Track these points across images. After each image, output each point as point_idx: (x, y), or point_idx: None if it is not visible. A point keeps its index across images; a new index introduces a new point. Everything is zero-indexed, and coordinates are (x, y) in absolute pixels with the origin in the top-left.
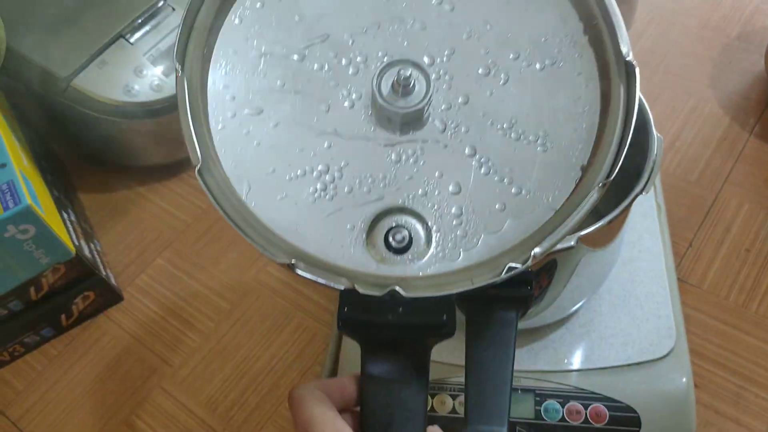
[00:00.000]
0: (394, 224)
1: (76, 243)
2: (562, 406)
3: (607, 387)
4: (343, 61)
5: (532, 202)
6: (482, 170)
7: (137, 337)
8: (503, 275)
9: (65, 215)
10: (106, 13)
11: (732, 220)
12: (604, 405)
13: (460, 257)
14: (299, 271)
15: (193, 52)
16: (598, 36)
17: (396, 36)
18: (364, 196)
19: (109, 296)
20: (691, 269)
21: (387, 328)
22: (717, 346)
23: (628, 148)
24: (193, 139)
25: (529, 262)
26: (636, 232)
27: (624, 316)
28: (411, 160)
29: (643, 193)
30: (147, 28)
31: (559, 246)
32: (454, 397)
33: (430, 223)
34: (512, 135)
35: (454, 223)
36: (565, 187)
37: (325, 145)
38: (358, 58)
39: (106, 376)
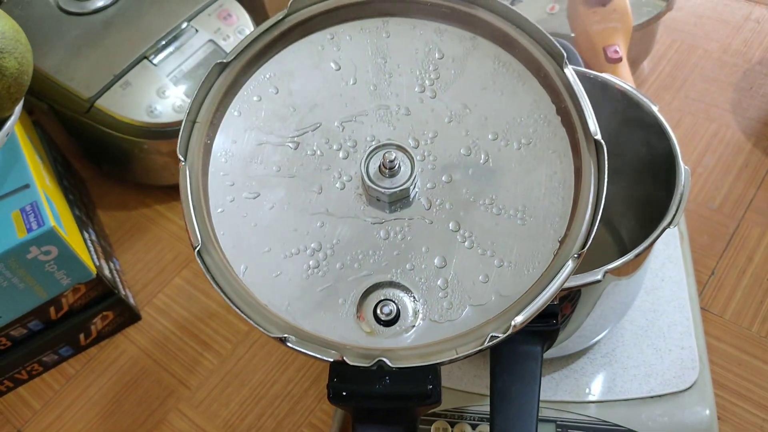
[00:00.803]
0: (382, 297)
1: (97, 263)
2: None
3: (629, 419)
4: (334, 147)
5: (513, 274)
6: (466, 244)
7: (154, 358)
8: (486, 344)
9: (86, 235)
10: (129, 34)
11: (755, 248)
12: None
13: (446, 328)
14: (290, 345)
15: (195, 144)
16: (569, 116)
17: (383, 122)
18: (355, 272)
19: (128, 315)
20: (713, 298)
21: (375, 397)
22: (740, 377)
23: (655, 181)
24: (193, 223)
25: (510, 331)
26: (659, 261)
27: (647, 347)
28: (399, 237)
29: (671, 227)
30: (170, 49)
31: (586, 280)
32: (474, 427)
33: (417, 296)
34: (493, 210)
35: (440, 295)
36: (544, 258)
37: (318, 224)
38: (348, 143)
39: (123, 397)
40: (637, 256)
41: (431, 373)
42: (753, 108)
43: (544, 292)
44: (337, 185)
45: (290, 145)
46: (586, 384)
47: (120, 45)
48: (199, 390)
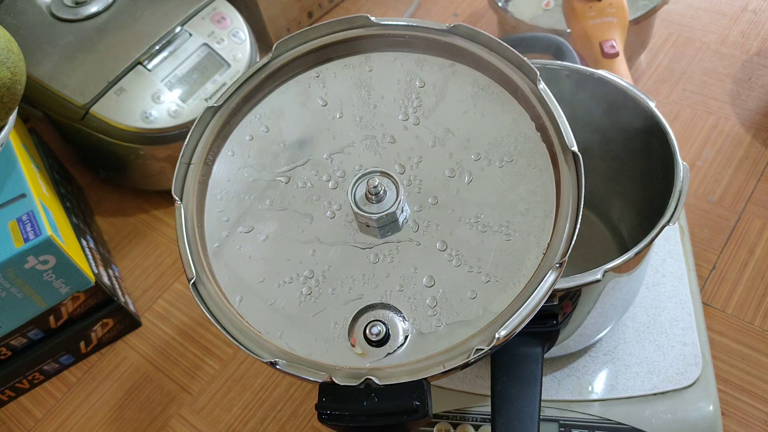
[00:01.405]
0: (372, 319)
1: (95, 271)
2: None
3: (632, 417)
4: (324, 178)
5: (500, 288)
6: (453, 262)
7: (156, 364)
8: (472, 357)
9: (84, 242)
10: (123, 40)
11: (756, 241)
12: None
13: (434, 344)
14: (279, 367)
15: (190, 184)
16: (547, 132)
17: (370, 151)
18: (346, 295)
19: (128, 322)
20: (715, 292)
21: (363, 415)
22: (743, 371)
23: (653, 177)
24: (189, 258)
25: (494, 344)
26: (659, 256)
27: (649, 343)
28: (388, 259)
29: (670, 224)
30: (164, 54)
31: (585, 280)
32: (476, 428)
33: (406, 315)
34: (479, 228)
35: (429, 313)
36: (530, 271)
37: (310, 252)
38: (337, 174)
39: (125, 404)
40: (636, 254)
41: (417, 388)
42: (752, 99)
43: (526, 304)
44: (327, 214)
45: (281, 179)
46: (588, 382)
47: (114, 51)
48: (201, 395)
